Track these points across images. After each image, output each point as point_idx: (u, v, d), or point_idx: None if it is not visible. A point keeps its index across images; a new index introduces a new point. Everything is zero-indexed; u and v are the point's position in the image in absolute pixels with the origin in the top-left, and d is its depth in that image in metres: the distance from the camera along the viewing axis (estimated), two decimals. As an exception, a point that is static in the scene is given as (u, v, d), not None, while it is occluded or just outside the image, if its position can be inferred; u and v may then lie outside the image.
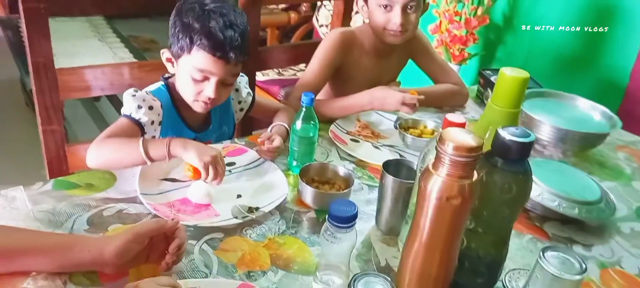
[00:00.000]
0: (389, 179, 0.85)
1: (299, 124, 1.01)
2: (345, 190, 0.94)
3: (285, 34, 3.21)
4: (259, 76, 2.33)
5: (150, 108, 1.02)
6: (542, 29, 2.15)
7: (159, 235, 0.72)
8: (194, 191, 0.91)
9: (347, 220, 0.68)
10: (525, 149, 0.67)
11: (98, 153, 0.93)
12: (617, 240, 0.93)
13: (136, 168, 0.94)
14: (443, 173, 0.65)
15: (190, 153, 0.89)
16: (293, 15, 3.08)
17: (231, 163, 1.05)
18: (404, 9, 1.29)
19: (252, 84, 1.52)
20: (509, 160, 0.68)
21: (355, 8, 1.57)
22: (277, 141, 1.05)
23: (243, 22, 1.02)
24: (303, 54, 1.66)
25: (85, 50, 2.37)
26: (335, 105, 1.31)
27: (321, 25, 2.85)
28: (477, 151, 0.63)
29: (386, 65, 1.47)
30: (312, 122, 1.02)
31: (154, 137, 1.05)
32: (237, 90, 1.20)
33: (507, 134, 0.68)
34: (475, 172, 0.65)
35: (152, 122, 1.03)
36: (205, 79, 1.02)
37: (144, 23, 3.83)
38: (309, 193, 0.92)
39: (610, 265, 0.86)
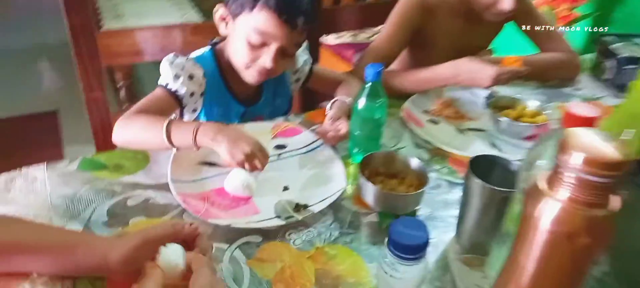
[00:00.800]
0: (477, 184, 0.64)
1: (362, 102, 0.82)
2: (417, 191, 0.74)
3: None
4: (331, 39, 2.13)
5: (191, 77, 0.88)
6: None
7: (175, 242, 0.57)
8: (232, 181, 0.76)
9: (414, 250, 0.49)
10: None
11: (123, 131, 0.80)
12: None
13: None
14: (563, 197, 0.44)
15: (220, 147, 0.73)
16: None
17: (281, 146, 0.88)
18: None
19: (316, 48, 1.33)
20: (672, 181, 0.44)
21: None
22: (344, 128, 0.87)
23: None
24: (381, 14, 1.44)
25: (155, 11, 2.30)
26: (411, 78, 1.08)
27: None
28: (622, 168, 0.41)
29: (478, 30, 1.21)
30: (378, 101, 0.82)
31: (194, 110, 0.91)
32: None
33: (670, 140, 0.44)
34: (614, 199, 0.43)
35: (193, 94, 0.89)
36: (264, 44, 0.86)
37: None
38: (370, 192, 0.74)
39: None
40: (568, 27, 1.90)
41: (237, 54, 0.90)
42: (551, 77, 1.20)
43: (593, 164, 0.41)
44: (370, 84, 0.81)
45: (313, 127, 0.92)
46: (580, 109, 0.51)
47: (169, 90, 0.87)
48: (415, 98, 1.06)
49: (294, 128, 0.93)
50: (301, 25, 0.85)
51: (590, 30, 1.98)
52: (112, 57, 1.05)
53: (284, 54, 0.88)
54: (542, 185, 0.45)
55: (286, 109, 1.06)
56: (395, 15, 1.16)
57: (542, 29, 1.22)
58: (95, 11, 2.08)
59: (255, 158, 0.73)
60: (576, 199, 0.42)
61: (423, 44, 1.21)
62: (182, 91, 0.87)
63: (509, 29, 1.26)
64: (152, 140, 0.78)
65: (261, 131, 0.92)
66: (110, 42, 1.04)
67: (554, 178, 0.44)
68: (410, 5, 1.14)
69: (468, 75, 1.01)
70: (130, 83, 2.26)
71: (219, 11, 0.92)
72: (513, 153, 0.91)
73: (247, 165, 0.73)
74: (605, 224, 0.43)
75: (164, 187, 0.76)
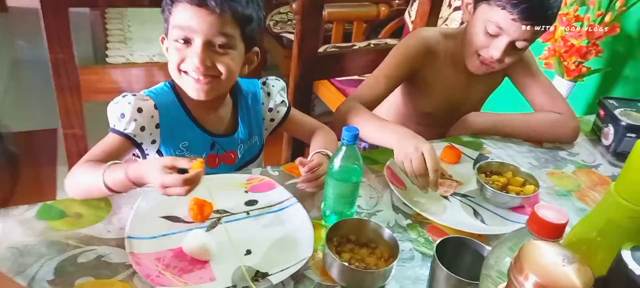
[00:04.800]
0: (442, 272, 0.60)
1: (337, 164, 0.78)
2: (385, 268, 0.69)
3: (373, 28, 2.95)
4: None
5: (139, 110, 0.84)
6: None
7: None
8: (190, 242, 0.72)
9: None
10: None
11: (71, 181, 0.78)
12: None
13: (136, 197, 0.78)
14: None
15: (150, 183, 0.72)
16: (383, 8, 2.80)
17: (252, 202, 0.85)
18: (512, 44, 1.01)
19: (308, 93, 1.30)
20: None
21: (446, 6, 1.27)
22: (322, 167, 0.84)
23: None
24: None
25: (144, 34, 2.33)
26: (366, 126, 1.00)
27: (413, 21, 2.55)
28: (580, 298, 0.36)
29: (474, 83, 1.17)
30: (355, 164, 0.78)
31: (154, 142, 0.87)
32: (269, 94, 1.00)
33: (637, 265, 0.40)
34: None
35: (143, 128, 0.84)
36: (189, 43, 0.82)
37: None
38: (335, 266, 0.69)
39: None
40: (575, 81, 1.84)
41: (170, 66, 0.86)
42: (545, 138, 1.15)
43: (546, 293, 0.36)
44: (345, 147, 0.77)
45: (290, 182, 0.88)
46: (549, 213, 0.46)
47: (118, 132, 0.84)
48: (400, 156, 1.02)
49: (269, 182, 0.89)
50: (219, 6, 0.79)
51: (597, 87, 1.93)
52: (93, 93, 1.03)
53: (215, 50, 0.83)
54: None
55: (260, 149, 1.02)
56: (398, 52, 1.13)
57: (540, 87, 1.17)
58: (105, 32, 2.09)
59: (173, 192, 0.69)
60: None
61: (419, 85, 1.18)
62: (131, 128, 0.83)
63: (506, 85, 1.22)
64: (95, 188, 0.75)
65: (235, 182, 0.89)
66: (92, 78, 1.02)
67: (506, 297, 0.40)
68: (415, 44, 1.12)
69: (403, 152, 0.90)
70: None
71: (164, 43, 0.89)
72: (497, 224, 0.87)
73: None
74: None
75: (121, 243, 0.72)
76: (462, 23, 1.91)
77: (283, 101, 1.01)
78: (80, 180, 0.78)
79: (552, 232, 0.45)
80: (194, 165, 0.69)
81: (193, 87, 0.85)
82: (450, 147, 1.03)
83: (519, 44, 1.02)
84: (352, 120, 1.04)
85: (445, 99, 1.19)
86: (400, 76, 1.13)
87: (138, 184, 0.75)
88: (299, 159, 0.87)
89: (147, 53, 1.83)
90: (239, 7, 0.82)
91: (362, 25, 2.85)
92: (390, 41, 2.64)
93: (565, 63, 1.84)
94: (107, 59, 1.59)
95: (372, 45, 2.50)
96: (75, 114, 1.01)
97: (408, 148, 0.89)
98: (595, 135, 1.21)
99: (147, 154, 0.89)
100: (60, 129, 1.02)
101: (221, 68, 0.84)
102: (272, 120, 1.02)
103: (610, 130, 1.14)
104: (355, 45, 2.64)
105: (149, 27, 2.52)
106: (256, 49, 0.92)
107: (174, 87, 0.90)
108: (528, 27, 0.98)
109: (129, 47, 2.04)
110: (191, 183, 0.68)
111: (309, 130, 1.02)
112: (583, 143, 1.19)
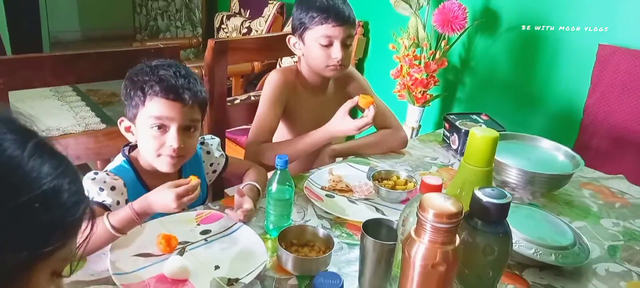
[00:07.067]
0: (370, 241, 0.85)
1: (274, 187, 1.00)
2: (326, 254, 0.92)
3: (249, 81, 3.22)
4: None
5: (113, 188, 0.99)
6: (497, 67, 2.25)
7: None
8: (169, 267, 0.87)
9: (334, 294, 0.67)
10: (503, 210, 0.68)
11: None
12: (595, 284, 0.95)
13: (107, 246, 0.91)
14: (426, 240, 0.65)
15: (158, 210, 0.91)
16: (256, 63, 3.10)
17: (206, 232, 1.02)
18: (343, 44, 1.34)
19: (224, 140, 1.50)
20: (488, 222, 0.69)
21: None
22: (247, 204, 1.03)
23: (195, 75, 1.06)
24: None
25: (44, 110, 2.30)
26: (290, 148, 1.33)
27: (285, 73, 2.88)
28: (458, 217, 0.64)
29: (326, 102, 1.46)
30: (287, 184, 1.01)
31: None
32: (208, 152, 1.19)
33: (484, 196, 0.69)
34: (457, 237, 0.66)
35: (118, 202, 0.99)
36: (165, 129, 1.00)
37: (103, 76, 3.76)
38: (289, 260, 0.91)
39: (589, 310, 0.88)
40: (424, 106, 2.31)
41: (146, 146, 1.02)
42: (382, 150, 1.47)
43: (440, 217, 0.63)
44: (279, 171, 1.00)
45: (226, 212, 1.07)
46: (431, 179, 0.75)
47: (97, 203, 0.97)
48: (313, 177, 1.27)
49: (216, 213, 1.07)
50: (190, 100, 1.00)
51: (441, 107, 2.44)
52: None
53: (186, 133, 1.02)
54: (413, 234, 0.67)
55: (205, 197, 1.20)
56: (267, 94, 1.38)
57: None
58: None
59: (185, 198, 0.89)
60: (434, 241, 0.65)
61: (291, 118, 1.45)
62: (109, 201, 0.97)
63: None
64: (95, 239, 0.87)
65: (186, 219, 1.05)
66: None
67: (419, 229, 0.66)
68: (277, 84, 1.39)
69: (338, 133, 1.32)
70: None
71: (123, 123, 1.06)
72: (393, 215, 1.15)
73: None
74: (454, 254, 0.65)
75: (106, 281, 0.85)
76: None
77: (221, 154, 1.21)
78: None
79: (436, 190, 0.73)
80: (191, 180, 0.91)
81: (167, 164, 1.02)
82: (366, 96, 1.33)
83: (347, 42, 1.34)
84: (269, 155, 1.27)
85: (310, 120, 1.43)
86: (278, 114, 1.39)
87: (142, 216, 0.90)
88: (237, 190, 1.07)
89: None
90: (200, 95, 1.04)
91: (239, 79, 3.11)
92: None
93: (414, 94, 2.29)
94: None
95: (252, 98, 2.77)
96: None
97: (343, 127, 1.31)
98: (445, 143, 1.60)
99: None
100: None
101: (189, 147, 1.05)
102: (214, 171, 1.21)
103: (455, 137, 1.54)
104: (236, 99, 2.88)
105: (29, 105, 2.47)
106: None
107: (132, 163, 1.06)
108: (343, 27, 1.31)
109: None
110: (197, 187, 0.91)
111: (244, 169, 1.23)
112: (439, 149, 1.57)
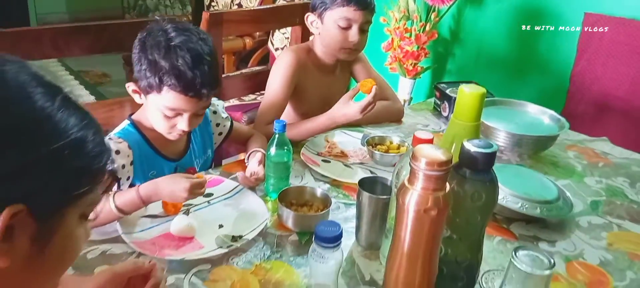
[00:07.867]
0: (366, 196, 0.90)
1: (273, 150, 1.05)
2: (324, 211, 0.97)
3: (241, 59, 3.24)
4: (221, 104, 2.33)
5: (117, 152, 1.01)
6: (486, 38, 2.29)
7: (137, 276, 0.72)
8: (176, 225, 0.92)
9: (334, 240, 0.72)
10: (490, 159, 0.73)
11: None
12: (578, 235, 1.02)
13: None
14: (418, 187, 0.70)
15: (165, 197, 0.93)
16: (248, 40, 3.11)
17: (209, 194, 1.06)
18: (361, 29, 1.37)
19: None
20: (476, 170, 0.74)
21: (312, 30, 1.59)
22: (261, 171, 1.08)
23: (210, 49, 1.01)
24: (263, 81, 1.70)
25: None
26: (296, 130, 1.34)
27: (276, 49, 2.89)
28: (448, 164, 0.69)
29: (334, 81, 1.51)
30: (285, 147, 1.06)
31: (128, 178, 1.04)
32: (215, 112, 1.22)
33: (472, 146, 0.74)
34: (447, 184, 0.71)
35: (123, 166, 1.02)
36: (178, 114, 1.03)
37: (95, 58, 3.76)
38: (289, 217, 0.96)
39: (574, 258, 0.94)
40: (415, 78, 2.35)
41: (157, 124, 1.05)
42: (381, 120, 1.51)
43: (432, 164, 0.68)
44: (278, 135, 1.04)
45: (233, 176, 1.12)
46: (423, 134, 0.80)
47: None
48: (309, 144, 1.32)
49: (216, 178, 1.12)
50: (206, 94, 1.01)
51: (432, 79, 2.48)
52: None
53: (197, 115, 1.06)
54: (406, 183, 0.72)
55: (213, 158, 1.24)
56: (278, 74, 1.40)
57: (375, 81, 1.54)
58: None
59: (195, 191, 0.91)
60: (426, 188, 0.69)
61: (300, 96, 1.47)
62: (113, 166, 1.00)
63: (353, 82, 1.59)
64: (105, 213, 0.90)
65: (188, 185, 1.09)
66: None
67: (412, 177, 0.71)
68: (289, 63, 1.40)
69: (342, 118, 1.32)
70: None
71: (131, 86, 1.06)
72: (387, 176, 1.20)
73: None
74: (445, 200, 0.70)
75: (116, 240, 0.89)
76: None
77: (226, 116, 1.24)
78: None
79: (426, 143, 0.78)
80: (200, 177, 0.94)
81: (174, 137, 1.06)
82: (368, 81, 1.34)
83: (364, 27, 1.38)
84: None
85: (318, 99, 1.48)
86: (287, 93, 1.40)
87: (147, 202, 0.91)
88: (246, 156, 1.11)
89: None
90: (216, 85, 1.03)
91: (231, 57, 3.12)
92: (258, 68, 2.95)
93: (405, 66, 2.33)
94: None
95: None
96: None
97: (346, 111, 1.32)
98: (437, 110, 1.65)
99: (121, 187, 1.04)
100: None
101: (197, 124, 1.08)
102: (220, 134, 1.25)
103: (445, 105, 1.59)
104: (228, 76, 2.90)
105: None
106: None
107: (136, 126, 1.08)
108: (364, 12, 1.35)
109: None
110: (204, 185, 0.94)
111: (247, 136, 1.27)
112: (430, 117, 1.62)
